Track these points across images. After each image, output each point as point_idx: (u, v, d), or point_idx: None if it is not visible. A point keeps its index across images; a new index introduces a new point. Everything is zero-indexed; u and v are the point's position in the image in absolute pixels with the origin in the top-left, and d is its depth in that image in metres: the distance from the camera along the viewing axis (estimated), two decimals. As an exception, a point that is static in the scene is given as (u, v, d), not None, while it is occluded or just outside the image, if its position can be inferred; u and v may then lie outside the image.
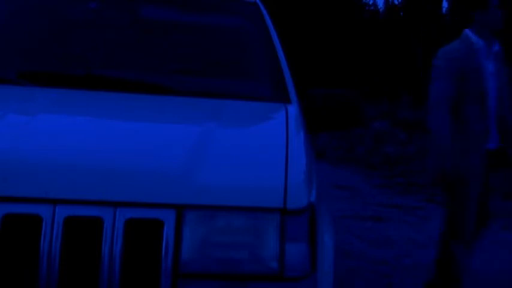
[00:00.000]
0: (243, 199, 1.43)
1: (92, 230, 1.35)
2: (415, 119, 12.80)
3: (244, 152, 1.64)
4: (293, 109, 2.06)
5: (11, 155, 1.45)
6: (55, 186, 1.38)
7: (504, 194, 6.68)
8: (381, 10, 32.95)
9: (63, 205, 1.36)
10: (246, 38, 2.63)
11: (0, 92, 2.00)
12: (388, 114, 14.73)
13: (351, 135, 12.32)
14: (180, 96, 2.10)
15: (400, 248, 4.92)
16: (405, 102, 17.24)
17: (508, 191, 6.77)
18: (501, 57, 3.41)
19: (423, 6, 27.30)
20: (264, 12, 2.70)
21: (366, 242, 5.11)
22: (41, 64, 2.28)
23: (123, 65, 2.32)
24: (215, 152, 1.58)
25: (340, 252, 4.49)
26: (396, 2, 31.45)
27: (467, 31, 3.33)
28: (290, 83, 2.30)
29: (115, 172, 1.44)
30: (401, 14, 31.03)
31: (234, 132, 1.85)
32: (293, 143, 1.68)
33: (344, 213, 6.08)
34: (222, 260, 1.40)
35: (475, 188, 3.28)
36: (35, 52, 2.38)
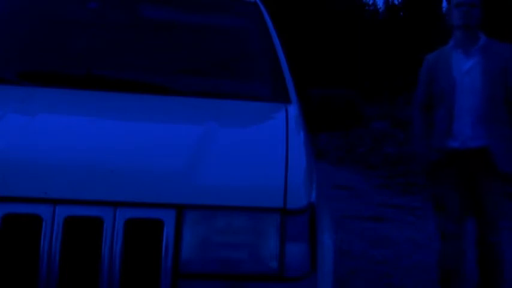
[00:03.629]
0: (243, 199, 1.43)
1: (92, 230, 1.35)
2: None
3: (244, 152, 1.65)
4: (293, 109, 2.06)
5: (11, 155, 1.45)
6: (55, 186, 1.38)
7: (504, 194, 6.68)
8: (380, 10, 32.98)
9: (63, 205, 1.36)
10: (246, 38, 2.63)
11: (0, 92, 2.00)
12: (388, 114, 14.73)
13: (350, 135, 12.32)
14: (181, 96, 2.10)
15: (400, 248, 4.92)
16: (405, 102, 17.23)
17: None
18: (490, 50, 3.32)
19: (423, 6, 27.34)
20: (264, 12, 2.69)
21: (366, 242, 5.11)
22: (41, 64, 2.28)
23: (123, 65, 2.32)
24: (215, 152, 1.58)
25: (340, 252, 4.49)
26: (396, 2, 31.50)
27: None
28: (290, 83, 2.29)
29: (115, 172, 1.44)
30: (401, 14, 31.06)
31: (234, 132, 1.85)
32: (293, 143, 1.68)
33: (344, 213, 6.08)
34: (222, 260, 1.40)
35: (447, 185, 3.40)
36: (35, 52, 2.38)
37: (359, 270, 4.23)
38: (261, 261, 1.41)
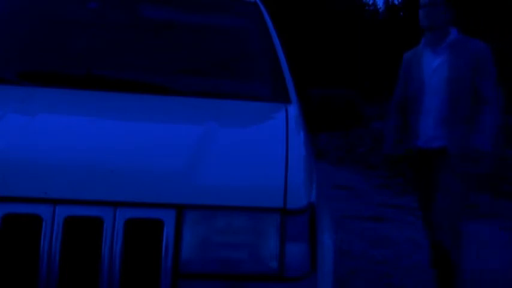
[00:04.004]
0: (243, 199, 1.43)
1: (92, 230, 1.35)
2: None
3: (244, 152, 1.65)
4: (293, 109, 2.07)
5: (11, 155, 1.45)
6: (55, 186, 1.38)
7: (502, 194, 6.69)
8: (380, 10, 33.00)
9: (63, 205, 1.36)
10: (246, 38, 2.63)
11: (0, 92, 2.00)
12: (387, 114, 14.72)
13: (350, 135, 12.32)
14: (181, 96, 2.10)
15: (400, 248, 4.92)
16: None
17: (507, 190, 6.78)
18: (460, 47, 3.24)
19: (423, 6, 27.29)
20: (264, 12, 2.70)
21: (366, 242, 5.11)
22: (41, 64, 2.28)
23: (123, 65, 2.32)
24: (215, 152, 1.58)
25: (340, 252, 4.49)
26: (396, 2, 31.52)
27: None
28: (290, 83, 2.30)
29: (115, 172, 1.44)
30: (401, 14, 31.07)
31: (234, 132, 1.85)
32: (293, 143, 1.68)
33: (344, 213, 6.08)
34: (222, 260, 1.40)
35: (417, 181, 3.53)
36: (35, 52, 2.38)
37: (359, 270, 4.23)
38: (261, 261, 1.41)
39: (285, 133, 1.74)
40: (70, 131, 1.66)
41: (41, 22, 2.52)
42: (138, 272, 1.35)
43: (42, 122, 1.71)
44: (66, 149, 1.51)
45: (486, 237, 5.18)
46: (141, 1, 2.66)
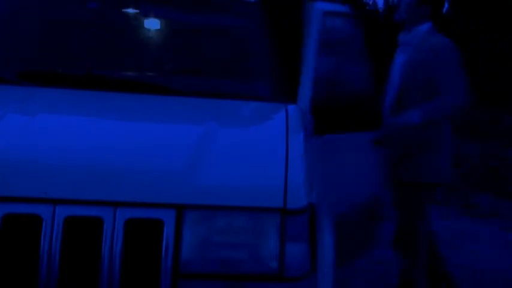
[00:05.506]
0: (243, 199, 1.43)
1: (92, 230, 1.35)
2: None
3: (244, 152, 1.65)
4: (293, 109, 2.07)
5: (11, 155, 1.45)
6: (55, 186, 1.38)
7: (502, 194, 6.70)
8: (380, 10, 33.00)
9: (63, 205, 1.36)
10: (246, 38, 2.63)
11: (0, 92, 2.00)
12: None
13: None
14: (180, 96, 2.11)
15: (400, 248, 4.90)
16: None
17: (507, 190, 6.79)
18: (412, 45, 3.06)
19: (423, 6, 27.28)
20: (264, 12, 2.70)
21: (366, 242, 5.09)
22: (41, 64, 2.28)
23: (123, 65, 2.32)
24: (215, 152, 1.58)
25: (340, 252, 4.48)
26: (396, 2, 31.48)
27: None
28: (290, 83, 2.30)
29: (115, 172, 1.45)
30: (402, 14, 30.97)
31: (234, 132, 1.86)
32: (293, 143, 1.68)
33: (344, 213, 6.06)
34: (222, 260, 1.40)
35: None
36: (35, 52, 2.38)
37: (359, 270, 4.22)
38: (261, 261, 1.41)
39: (285, 133, 1.74)
40: (70, 131, 1.66)
41: (41, 22, 2.53)
42: (138, 272, 1.35)
43: (42, 122, 1.71)
44: (66, 149, 1.52)
45: (486, 237, 5.17)
46: (141, 1, 2.67)
